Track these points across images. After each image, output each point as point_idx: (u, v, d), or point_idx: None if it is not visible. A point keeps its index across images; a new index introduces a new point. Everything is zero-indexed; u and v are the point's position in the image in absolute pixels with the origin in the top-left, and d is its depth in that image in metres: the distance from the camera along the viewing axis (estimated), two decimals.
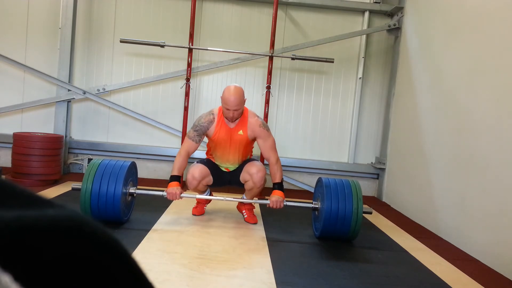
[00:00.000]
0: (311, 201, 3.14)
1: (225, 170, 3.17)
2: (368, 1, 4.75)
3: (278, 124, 4.85)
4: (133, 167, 3.02)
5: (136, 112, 4.64)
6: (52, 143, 4.06)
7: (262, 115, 4.27)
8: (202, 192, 3.19)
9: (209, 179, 3.10)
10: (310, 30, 4.79)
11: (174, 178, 2.94)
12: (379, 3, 4.72)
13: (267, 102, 4.33)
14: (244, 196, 3.22)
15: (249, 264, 2.36)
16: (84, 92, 4.54)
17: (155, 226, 2.90)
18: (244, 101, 2.93)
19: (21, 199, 0.25)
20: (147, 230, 2.79)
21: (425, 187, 3.68)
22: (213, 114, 3.00)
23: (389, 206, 4.41)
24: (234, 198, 3.17)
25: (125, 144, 4.76)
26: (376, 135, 4.85)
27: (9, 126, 4.63)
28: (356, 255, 2.70)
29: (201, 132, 2.97)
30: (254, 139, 3.04)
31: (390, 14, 4.73)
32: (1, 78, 4.67)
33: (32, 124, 4.68)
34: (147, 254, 2.37)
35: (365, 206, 2.85)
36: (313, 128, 4.90)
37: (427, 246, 3.00)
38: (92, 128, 4.77)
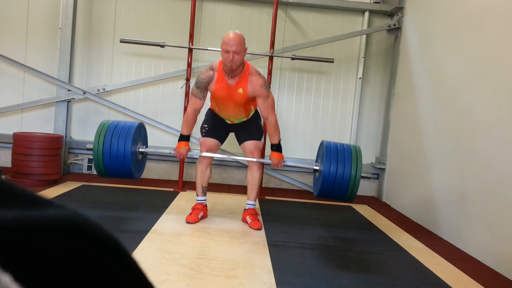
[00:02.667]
0: (311, 165, 3.24)
1: (229, 123, 3.18)
2: (368, 1, 4.74)
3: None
4: (141, 128, 3.13)
5: (136, 112, 4.64)
6: (52, 143, 4.06)
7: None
8: (204, 188, 3.20)
9: (217, 147, 3.16)
10: (310, 30, 4.79)
11: (183, 137, 3.06)
12: (379, 3, 4.72)
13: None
14: (247, 201, 3.23)
15: (249, 264, 2.36)
16: (84, 92, 4.54)
17: (155, 226, 2.90)
18: (245, 50, 2.83)
19: (21, 199, 0.25)
20: (147, 230, 2.79)
21: (425, 187, 3.68)
22: (212, 69, 2.93)
23: (389, 206, 4.41)
24: (239, 157, 3.18)
25: None
26: (376, 135, 4.85)
27: (9, 126, 4.63)
28: (356, 255, 2.70)
29: (203, 88, 2.98)
30: (254, 98, 2.97)
31: (390, 14, 4.73)
32: (1, 78, 4.67)
33: (32, 124, 4.68)
34: (147, 254, 2.37)
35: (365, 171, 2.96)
36: (313, 128, 4.90)
37: (427, 246, 3.00)
38: (92, 128, 4.74)
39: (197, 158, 3.36)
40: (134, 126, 3.02)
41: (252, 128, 3.12)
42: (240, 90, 2.90)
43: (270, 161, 3.07)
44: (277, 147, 3.07)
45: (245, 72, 2.91)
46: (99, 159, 2.93)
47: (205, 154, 3.11)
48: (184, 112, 4.38)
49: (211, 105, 3.21)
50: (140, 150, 3.12)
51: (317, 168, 3.12)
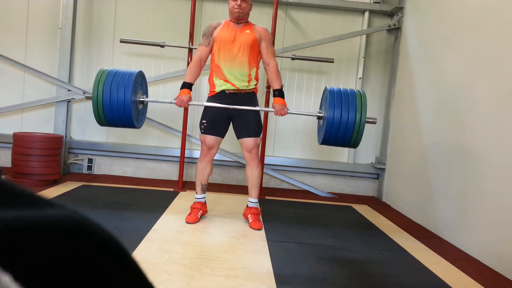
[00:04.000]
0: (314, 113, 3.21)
1: (230, 92, 3.05)
2: (368, 1, 4.74)
3: (278, 124, 4.85)
4: (140, 76, 3.05)
5: None
6: (52, 143, 4.06)
7: (262, 115, 4.26)
8: (203, 186, 3.19)
9: (217, 143, 3.15)
10: (310, 30, 4.79)
11: (186, 85, 3.04)
12: (379, 3, 4.72)
13: (267, 102, 4.33)
14: (249, 199, 3.23)
15: (249, 264, 2.36)
16: (84, 92, 4.54)
17: (155, 226, 2.90)
18: (251, 5, 3.09)
19: (21, 199, 0.25)
20: (147, 230, 2.79)
21: (425, 187, 3.68)
22: (220, 22, 3.13)
23: (389, 206, 4.41)
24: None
25: (125, 144, 4.76)
26: (376, 135, 4.85)
27: (9, 126, 4.63)
28: (356, 255, 2.70)
29: (209, 34, 3.07)
30: (259, 42, 3.07)
31: (390, 14, 4.73)
32: (1, 78, 4.67)
33: (32, 124, 4.68)
34: (147, 254, 2.37)
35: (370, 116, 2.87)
36: (313, 128, 4.89)
37: (427, 246, 3.00)
38: (92, 128, 4.76)
39: (197, 158, 3.36)
40: (134, 73, 2.93)
41: (252, 123, 3.08)
42: (248, 31, 3.05)
43: (273, 109, 3.03)
44: (279, 93, 3.05)
45: (250, 23, 3.12)
46: (99, 108, 2.85)
47: (206, 104, 3.07)
48: (184, 112, 4.39)
49: (211, 66, 3.11)
50: (141, 99, 3.04)
51: (321, 114, 3.05)
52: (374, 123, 2.95)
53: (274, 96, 3.07)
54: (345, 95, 2.87)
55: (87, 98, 2.99)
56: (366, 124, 2.85)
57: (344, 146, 2.98)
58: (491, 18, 2.93)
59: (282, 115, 3.00)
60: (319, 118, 3.13)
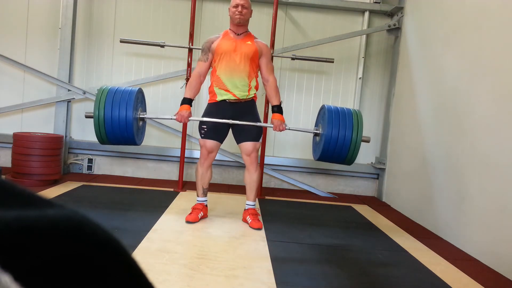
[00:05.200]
0: (311, 128, 3.30)
1: (229, 102, 3.05)
2: (368, 1, 4.74)
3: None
4: (140, 93, 3.08)
5: None
6: (52, 143, 4.06)
7: (262, 115, 4.26)
8: (205, 190, 3.20)
9: (217, 147, 3.15)
10: (310, 30, 4.79)
11: (186, 101, 3.07)
12: (379, 3, 4.72)
13: (266, 103, 4.33)
14: (247, 202, 3.23)
15: (249, 264, 2.36)
16: (84, 92, 4.54)
17: (155, 226, 2.90)
18: (251, 11, 3.10)
19: (21, 199, 0.25)
20: (147, 230, 2.79)
21: (425, 187, 3.68)
22: (218, 34, 3.14)
23: (389, 206, 4.41)
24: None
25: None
26: (376, 135, 4.85)
27: (9, 126, 4.63)
28: (356, 255, 2.70)
29: (207, 49, 3.09)
30: (259, 57, 3.09)
31: (390, 14, 4.73)
32: (1, 78, 4.67)
33: (32, 124, 4.68)
34: (147, 254, 2.37)
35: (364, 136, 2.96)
36: (313, 128, 4.89)
37: (427, 246, 3.00)
38: (92, 128, 4.73)
39: (197, 158, 3.36)
40: (134, 91, 2.96)
41: (251, 128, 3.09)
42: (249, 42, 3.06)
43: (271, 125, 3.07)
44: (278, 109, 3.10)
45: (250, 34, 3.13)
46: (100, 127, 2.87)
47: (206, 119, 3.07)
48: (183, 125, 4.36)
49: (212, 78, 3.11)
50: (141, 116, 3.06)
51: (318, 132, 3.13)
52: (368, 141, 3.05)
53: (273, 112, 3.12)
54: (342, 114, 2.96)
55: (87, 117, 3.00)
56: (366, 125, 2.90)
57: (339, 163, 3.08)
58: (491, 18, 2.93)
59: (281, 130, 3.07)
60: (315, 135, 3.20)
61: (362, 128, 2.91)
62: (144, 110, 3.17)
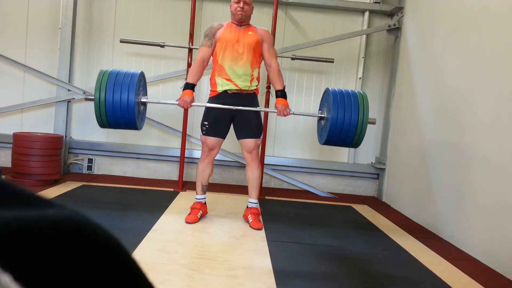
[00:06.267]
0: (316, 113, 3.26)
1: (232, 92, 3.03)
2: (368, 1, 4.74)
3: (278, 124, 4.85)
4: (142, 77, 3.03)
5: None
6: (52, 143, 4.06)
7: (262, 115, 4.27)
8: (204, 187, 3.19)
9: (218, 144, 3.14)
10: (310, 30, 4.79)
11: (188, 86, 3.04)
12: (379, 3, 4.72)
13: (267, 102, 4.33)
14: (249, 199, 3.23)
15: (249, 264, 2.36)
16: (84, 92, 4.54)
17: (155, 226, 2.90)
18: (253, 8, 3.11)
19: (21, 199, 0.25)
20: (147, 230, 2.79)
21: (425, 187, 3.68)
22: (222, 23, 3.14)
23: (389, 206, 4.41)
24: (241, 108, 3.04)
25: (125, 144, 4.76)
26: (376, 135, 4.85)
27: (9, 126, 4.63)
28: (356, 255, 2.70)
29: (211, 35, 3.07)
30: (262, 43, 3.09)
31: (390, 14, 4.73)
32: (1, 78, 4.67)
33: (32, 124, 4.68)
34: (147, 254, 2.37)
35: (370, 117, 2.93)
36: (313, 128, 4.89)
37: (427, 246, 3.00)
38: (92, 128, 4.76)
39: (197, 158, 3.36)
40: (137, 74, 2.91)
41: (252, 124, 3.09)
42: (250, 32, 3.08)
43: (275, 110, 3.05)
44: (281, 93, 3.08)
45: (251, 25, 3.14)
46: (101, 110, 2.81)
47: (209, 105, 3.05)
48: (184, 112, 4.39)
49: (214, 67, 3.09)
50: (142, 100, 3.01)
51: (323, 115, 3.08)
52: (374, 123, 3.01)
53: (277, 96, 3.09)
54: (347, 96, 2.92)
55: (87, 99, 2.96)
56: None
57: (346, 146, 3.04)
58: (491, 18, 2.93)
59: (285, 115, 3.03)
60: (320, 119, 3.15)
61: (368, 110, 2.87)
62: (146, 94, 3.13)
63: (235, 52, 3.01)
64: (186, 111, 4.27)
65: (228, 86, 3.03)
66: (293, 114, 3.07)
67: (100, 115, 2.83)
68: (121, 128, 2.99)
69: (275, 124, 4.83)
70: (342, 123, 2.83)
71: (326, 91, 3.10)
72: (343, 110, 2.84)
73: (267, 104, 4.36)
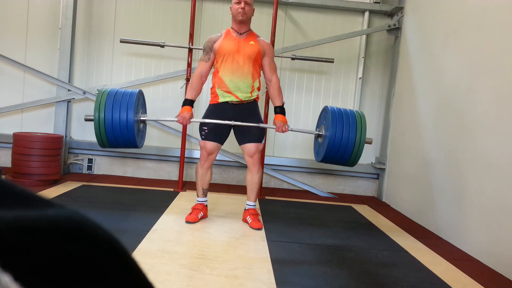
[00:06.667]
0: (313, 129, 3.28)
1: (232, 104, 3.02)
2: (368, 1, 4.75)
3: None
4: (140, 95, 3.04)
5: None
6: (52, 143, 4.06)
7: (262, 115, 4.27)
8: (205, 190, 3.19)
9: (217, 149, 3.13)
10: (310, 30, 4.79)
11: (187, 102, 3.04)
12: (379, 3, 4.72)
13: (267, 102, 4.33)
14: (247, 202, 3.22)
15: (249, 264, 2.36)
16: (84, 92, 4.54)
17: (155, 226, 2.90)
18: (253, 10, 3.08)
19: (21, 199, 0.25)
20: (147, 230, 2.79)
21: (425, 187, 3.68)
22: (221, 33, 3.09)
23: (389, 206, 4.41)
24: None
25: None
26: (376, 135, 4.85)
27: (9, 126, 4.63)
28: (356, 255, 2.70)
29: (209, 49, 3.04)
30: (262, 57, 3.07)
31: (390, 14, 4.73)
32: (1, 78, 4.67)
33: (32, 124, 4.68)
34: (147, 254, 2.37)
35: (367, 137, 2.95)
36: (313, 128, 4.89)
37: (427, 246, 3.00)
38: (92, 128, 4.74)
39: (197, 158, 3.36)
40: (135, 93, 2.92)
41: (254, 129, 3.06)
42: (252, 42, 3.02)
43: (274, 126, 3.07)
44: (280, 110, 3.09)
45: (253, 33, 3.09)
46: (101, 130, 2.83)
47: (208, 120, 3.04)
48: (183, 128, 4.37)
49: (214, 79, 3.07)
50: (142, 118, 3.02)
51: (321, 133, 3.11)
52: (370, 143, 3.05)
53: (276, 113, 3.10)
54: (345, 115, 2.95)
55: (86, 120, 2.95)
56: (366, 126, 2.89)
57: (342, 165, 3.07)
58: (491, 18, 2.93)
59: (283, 131, 3.06)
60: (318, 136, 3.17)
61: (365, 130, 2.91)
62: (145, 112, 3.15)
63: (235, 64, 2.98)
64: (185, 127, 4.27)
65: (229, 98, 3.03)
66: (291, 130, 3.11)
67: (100, 135, 2.85)
68: (122, 147, 3.01)
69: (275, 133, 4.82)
70: (340, 141, 2.87)
71: (325, 109, 3.12)
72: (341, 129, 2.88)
73: (267, 105, 4.36)
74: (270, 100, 4.46)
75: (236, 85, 2.99)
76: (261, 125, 3.07)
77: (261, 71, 3.15)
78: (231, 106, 3.04)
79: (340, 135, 2.87)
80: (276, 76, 3.13)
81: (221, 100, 3.04)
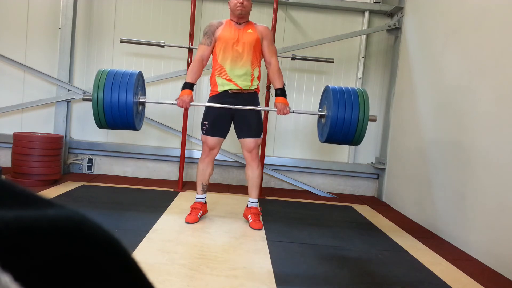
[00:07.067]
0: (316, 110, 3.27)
1: (233, 92, 3.01)
2: (368, 1, 4.74)
3: (278, 124, 4.85)
4: (140, 77, 3.01)
5: None
6: (52, 143, 4.06)
7: (262, 115, 4.27)
8: (204, 186, 3.19)
9: (219, 144, 3.13)
10: (310, 30, 4.79)
11: (187, 85, 3.01)
12: (379, 3, 4.72)
13: (267, 102, 4.33)
14: (249, 199, 3.22)
15: (249, 264, 2.36)
16: (84, 92, 4.54)
17: (155, 226, 2.90)
18: (251, 4, 3.07)
19: (21, 199, 0.25)
20: (147, 230, 2.79)
21: (425, 187, 3.68)
22: (221, 21, 3.10)
23: (389, 206, 4.41)
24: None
25: (125, 144, 4.76)
26: (376, 135, 4.85)
27: (9, 126, 4.63)
28: (356, 255, 2.70)
29: (211, 33, 3.04)
30: (262, 41, 3.07)
31: (390, 14, 4.73)
32: (1, 78, 4.67)
33: (32, 124, 4.68)
34: (147, 254, 2.37)
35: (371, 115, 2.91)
36: (313, 128, 4.89)
37: (427, 246, 3.00)
38: (92, 128, 4.75)
39: (197, 158, 3.36)
40: (135, 74, 2.88)
41: (253, 124, 3.07)
42: (250, 30, 3.04)
43: (275, 109, 3.04)
44: (281, 91, 3.07)
45: (251, 22, 3.11)
46: (99, 110, 2.78)
47: (208, 104, 3.02)
48: (184, 112, 4.39)
49: (213, 67, 3.07)
50: (141, 100, 2.99)
51: (323, 113, 3.07)
52: (375, 120, 3.00)
53: (276, 95, 3.07)
54: (347, 93, 2.90)
55: (85, 99, 2.94)
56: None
57: (347, 144, 3.02)
58: (491, 18, 2.93)
59: (285, 114, 3.02)
60: (321, 116, 3.14)
61: (368, 106, 2.85)
62: (144, 94, 3.11)
63: (235, 52, 2.99)
64: (186, 111, 4.27)
65: (229, 86, 3.02)
66: (293, 112, 3.06)
67: (98, 115, 2.80)
68: (120, 129, 2.97)
69: (275, 124, 4.83)
70: (343, 120, 2.81)
71: (326, 89, 3.09)
72: (343, 107, 2.82)
73: (267, 104, 4.36)
74: (269, 100, 4.46)
75: (236, 73, 3.00)
76: (262, 108, 3.06)
77: (262, 58, 3.14)
78: (231, 95, 3.03)
79: (342, 114, 2.81)
80: (275, 59, 3.12)
81: (220, 89, 3.04)
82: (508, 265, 2.53)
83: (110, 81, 2.80)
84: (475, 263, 2.75)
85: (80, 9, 4.61)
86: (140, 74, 2.99)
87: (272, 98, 4.59)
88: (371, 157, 4.89)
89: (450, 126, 3.34)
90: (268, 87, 4.39)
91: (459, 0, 3.41)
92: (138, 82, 2.96)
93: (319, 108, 3.20)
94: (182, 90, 3.01)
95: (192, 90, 3.02)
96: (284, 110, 3.00)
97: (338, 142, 3.00)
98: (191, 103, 2.99)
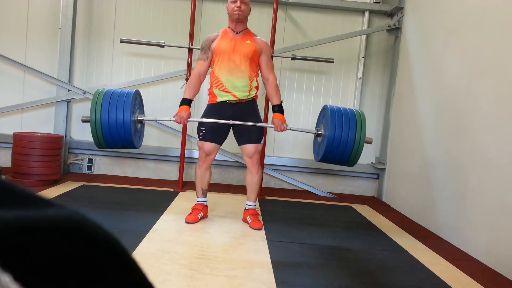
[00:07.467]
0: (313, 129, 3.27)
1: (230, 103, 3.01)
2: (368, 1, 4.74)
3: (277, 135, 4.84)
4: (137, 95, 3.03)
5: None
6: (52, 143, 4.06)
7: (262, 115, 4.27)
8: (204, 191, 3.19)
9: (215, 150, 3.11)
10: (310, 30, 4.79)
11: (185, 101, 3.02)
12: (379, 3, 4.72)
13: (267, 102, 4.33)
14: (247, 202, 3.22)
15: (249, 264, 2.36)
16: (84, 92, 4.54)
17: (155, 226, 2.90)
18: (250, 8, 3.05)
19: (21, 199, 0.25)
20: (147, 230, 2.79)
21: (425, 187, 3.68)
22: (217, 33, 3.09)
23: (389, 206, 4.41)
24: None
25: None
26: (376, 135, 4.85)
27: (9, 126, 4.63)
28: (356, 255, 2.70)
29: (207, 48, 3.04)
30: (259, 56, 3.05)
31: (390, 14, 4.73)
32: (1, 78, 4.67)
33: (32, 124, 4.68)
34: (147, 254, 2.37)
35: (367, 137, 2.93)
36: (313, 128, 4.89)
37: (427, 246, 3.00)
38: None
39: (197, 158, 3.35)
40: (131, 93, 2.91)
41: (253, 129, 3.05)
42: (248, 41, 3.02)
43: (272, 125, 3.04)
44: (279, 108, 3.07)
45: (249, 32, 3.08)
46: (97, 131, 2.82)
47: (206, 120, 3.02)
48: (183, 127, 4.37)
49: (211, 79, 3.06)
50: (139, 118, 3.01)
51: (319, 132, 3.09)
52: (370, 143, 3.03)
53: (274, 111, 3.08)
54: (345, 114, 2.93)
55: (83, 121, 2.92)
56: (366, 126, 2.88)
57: (342, 164, 3.05)
58: (491, 18, 2.93)
59: (282, 130, 3.02)
60: (317, 135, 3.16)
61: (365, 129, 2.89)
62: (142, 112, 3.13)
63: (231, 63, 2.97)
64: (184, 126, 4.26)
65: (227, 97, 3.01)
66: (290, 129, 3.08)
67: (96, 135, 2.83)
68: (119, 148, 3.00)
69: (274, 134, 4.82)
70: (339, 140, 2.85)
71: (324, 108, 3.11)
72: (340, 128, 2.86)
73: (267, 104, 4.36)
74: (269, 103, 4.46)
75: (233, 84, 2.99)
76: (260, 124, 3.06)
77: (258, 70, 3.14)
78: (230, 106, 3.02)
79: (339, 134, 2.85)
80: (273, 75, 3.11)
81: (219, 99, 3.03)
82: (508, 265, 2.53)
83: (107, 101, 2.83)
84: (475, 263, 2.75)
85: (80, 9, 4.61)
86: (137, 93, 3.02)
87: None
88: (371, 157, 4.89)
89: (450, 125, 3.34)
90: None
91: (459, 0, 3.41)
92: (135, 101, 2.97)
93: (316, 126, 3.22)
94: (180, 106, 3.01)
95: (190, 106, 3.03)
96: (281, 126, 3.01)
97: (333, 162, 3.03)
98: (189, 119, 3.00)
